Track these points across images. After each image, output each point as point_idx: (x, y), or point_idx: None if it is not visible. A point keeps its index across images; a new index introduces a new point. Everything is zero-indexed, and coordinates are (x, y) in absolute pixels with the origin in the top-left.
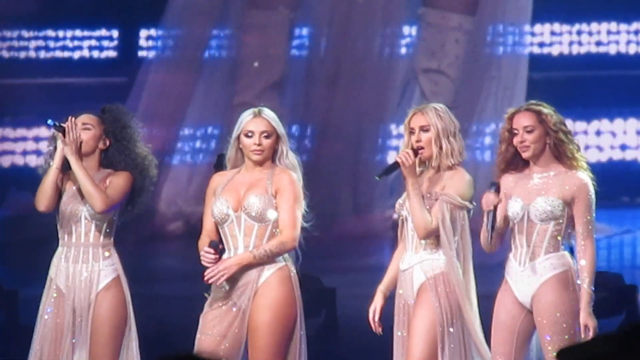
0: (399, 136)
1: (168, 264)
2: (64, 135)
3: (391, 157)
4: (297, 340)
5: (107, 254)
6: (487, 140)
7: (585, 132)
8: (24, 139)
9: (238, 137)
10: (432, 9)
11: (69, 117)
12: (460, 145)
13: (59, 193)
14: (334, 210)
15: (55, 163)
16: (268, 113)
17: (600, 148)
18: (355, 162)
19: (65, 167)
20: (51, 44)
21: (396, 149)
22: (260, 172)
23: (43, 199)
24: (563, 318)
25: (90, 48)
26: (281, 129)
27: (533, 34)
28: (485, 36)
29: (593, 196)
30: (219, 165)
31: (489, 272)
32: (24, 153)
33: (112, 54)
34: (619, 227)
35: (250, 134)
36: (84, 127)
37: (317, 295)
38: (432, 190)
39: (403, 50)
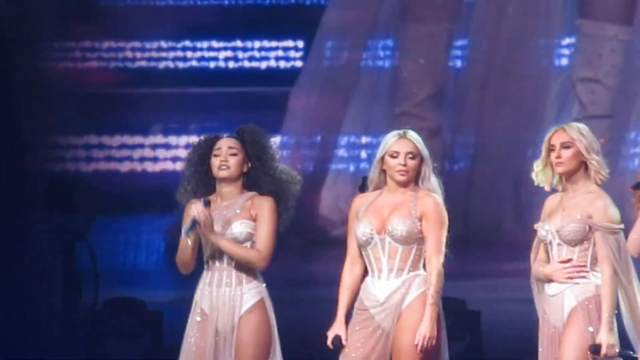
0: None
1: (331, 269)
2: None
3: None
4: None
5: (251, 277)
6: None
7: None
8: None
9: (382, 158)
10: (589, 20)
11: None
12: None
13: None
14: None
15: (190, 242)
16: (413, 135)
17: None
18: (518, 173)
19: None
20: (240, 54)
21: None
22: (403, 195)
23: (184, 268)
24: None
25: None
26: (425, 151)
27: None
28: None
29: None
30: (363, 187)
31: None
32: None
33: (298, 64)
34: None
35: (395, 155)
36: (231, 153)
37: (461, 317)
38: None
39: (560, 61)
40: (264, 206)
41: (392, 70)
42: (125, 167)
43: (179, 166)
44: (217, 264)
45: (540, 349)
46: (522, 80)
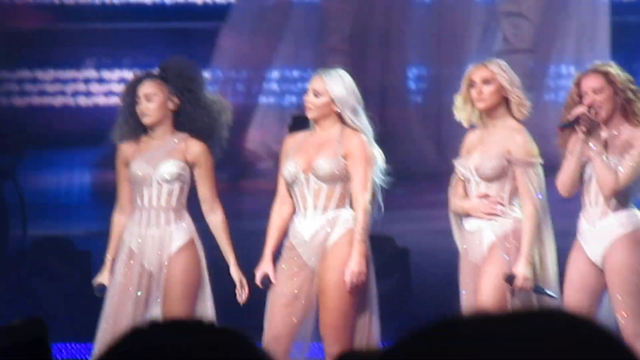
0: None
1: (259, 201)
2: None
3: None
4: (368, 300)
5: (180, 217)
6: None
7: None
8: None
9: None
10: None
11: None
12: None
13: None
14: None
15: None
16: (329, 74)
17: None
18: (440, 106)
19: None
20: None
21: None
22: (330, 134)
23: None
24: (634, 277)
25: None
26: (338, 92)
27: None
28: None
29: None
30: (293, 127)
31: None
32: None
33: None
34: None
35: (308, 92)
36: (147, 99)
37: (389, 256)
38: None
39: None
40: (202, 156)
41: (321, 7)
42: (58, 101)
43: (112, 100)
44: (145, 203)
45: (462, 291)
46: (447, 13)
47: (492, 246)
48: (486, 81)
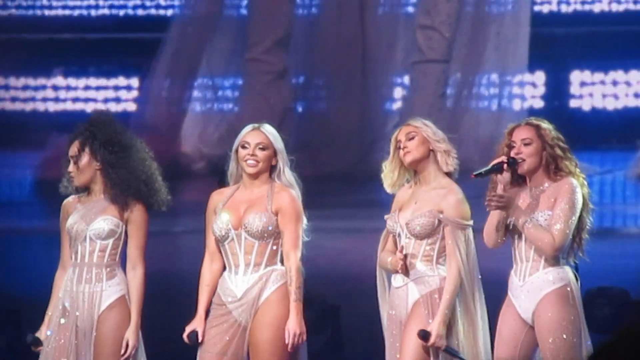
0: (403, 85)
1: (194, 200)
2: None
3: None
4: (300, 357)
5: (112, 273)
6: (492, 90)
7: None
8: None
9: (237, 150)
10: None
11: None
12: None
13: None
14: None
15: None
16: (267, 127)
17: (616, 97)
18: (362, 112)
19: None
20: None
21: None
22: (259, 189)
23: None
24: (563, 332)
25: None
26: (279, 145)
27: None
28: None
29: (577, 196)
30: (221, 182)
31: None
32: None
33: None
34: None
35: (246, 145)
36: (74, 161)
37: (321, 313)
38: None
39: (406, 9)
40: (135, 213)
41: (243, 18)
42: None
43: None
44: (79, 259)
45: (387, 346)
46: (371, 25)
47: (416, 303)
48: (410, 137)
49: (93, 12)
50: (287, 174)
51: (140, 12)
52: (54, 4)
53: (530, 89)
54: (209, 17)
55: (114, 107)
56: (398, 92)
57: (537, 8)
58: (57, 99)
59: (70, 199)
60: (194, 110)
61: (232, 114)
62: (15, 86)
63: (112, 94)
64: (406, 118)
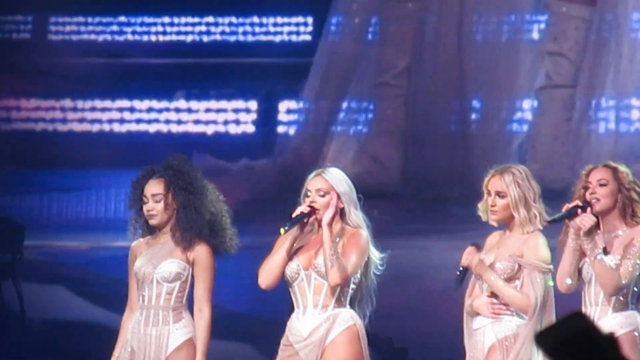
0: (532, 109)
1: None
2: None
3: None
4: None
5: (179, 316)
6: (611, 114)
7: None
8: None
9: (304, 197)
10: (556, 0)
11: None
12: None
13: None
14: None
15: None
16: (331, 172)
17: None
18: (497, 133)
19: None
20: (256, 29)
21: (520, 121)
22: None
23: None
24: None
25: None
26: (341, 187)
27: None
28: (602, 24)
29: None
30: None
31: None
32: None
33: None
34: None
35: (308, 193)
36: (156, 200)
37: (388, 355)
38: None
39: (530, 36)
40: (202, 256)
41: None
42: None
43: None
44: (146, 302)
45: None
46: (494, 51)
47: (492, 347)
48: (501, 195)
49: (205, 38)
50: (354, 215)
51: (249, 38)
52: (167, 30)
53: None
54: (354, 44)
55: (233, 129)
56: (517, 115)
57: None
58: (179, 122)
59: (138, 241)
60: (336, 132)
61: (362, 134)
62: (140, 109)
63: (233, 116)
64: (534, 141)
